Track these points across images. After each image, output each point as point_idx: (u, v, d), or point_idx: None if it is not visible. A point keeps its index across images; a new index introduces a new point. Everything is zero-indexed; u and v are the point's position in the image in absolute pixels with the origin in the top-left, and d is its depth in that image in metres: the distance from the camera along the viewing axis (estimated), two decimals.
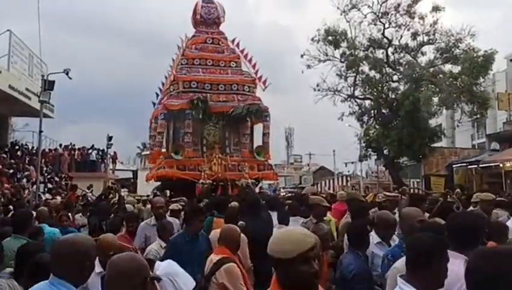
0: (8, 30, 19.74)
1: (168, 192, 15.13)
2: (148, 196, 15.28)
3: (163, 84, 19.22)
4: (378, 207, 6.63)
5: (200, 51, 18.09)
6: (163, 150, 17.56)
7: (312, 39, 23.61)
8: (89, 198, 17.05)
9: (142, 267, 2.12)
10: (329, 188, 36.52)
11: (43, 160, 19.31)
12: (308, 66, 23.79)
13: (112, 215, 7.77)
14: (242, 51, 18.58)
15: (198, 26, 18.77)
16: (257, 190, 16.35)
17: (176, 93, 17.03)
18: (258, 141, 18.20)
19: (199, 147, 16.92)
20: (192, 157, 16.39)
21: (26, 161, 20.03)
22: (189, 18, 19.53)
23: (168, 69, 19.24)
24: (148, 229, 6.16)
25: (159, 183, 18.04)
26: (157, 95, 19.34)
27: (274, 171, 19.26)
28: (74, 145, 26.16)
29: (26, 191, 14.83)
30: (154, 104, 19.11)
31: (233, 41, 18.82)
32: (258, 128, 18.19)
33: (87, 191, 20.07)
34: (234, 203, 6.80)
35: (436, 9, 22.58)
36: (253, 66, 18.36)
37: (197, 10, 18.70)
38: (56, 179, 20.65)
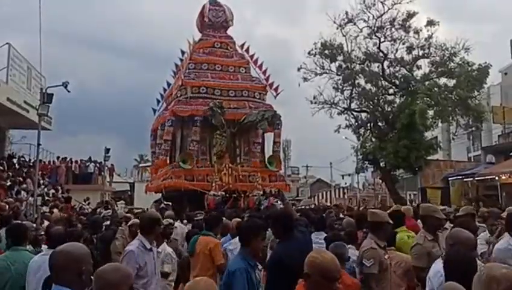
0: (7, 43, 19.87)
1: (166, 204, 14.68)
2: (147, 209, 14.74)
3: (165, 90, 18.36)
4: None
5: (208, 55, 17.28)
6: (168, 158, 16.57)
7: (309, 53, 23.82)
8: (86, 210, 17.06)
9: (127, 276, 2.22)
10: (326, 201, 36.56)
11: (40, 172, 19.30)
12: (305, 79, 23.96)
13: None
14: (251, 56, 17.86)
15: (205, 30, 17.99)
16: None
17: (184, 98, 16.20)
18: (268, 150, 17.46)
19: (207, 156, 16.12)
20: (201, 167, 15.59)
21: (24, 174, 20.02)
22: (193, 24, 18.37)
23: (171, 74, 18.56)
24: (142, 256, 4.31)
25: (160, 195, 17.40)
26: (158, 101, 18.45)
27: (286, 183, 18.37)
28: (71, 158, 26.16)
29: (24, 204, 14.80)
30: (154, 111, 18.24)
31: (242, 46, 18.12)
32: (267, 136, 17.52)
33: (83, 203, 20.11)
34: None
35: (430, 23, 22.86)
36: (264, 72, 17.63)
37: (204, 13, 17.89)
38: (53, 191, 20.62)
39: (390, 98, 24.18)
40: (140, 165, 48.30)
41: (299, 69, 24.08)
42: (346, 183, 44.39)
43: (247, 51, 18.00)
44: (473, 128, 24.27)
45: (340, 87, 23.95)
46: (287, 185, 18.19)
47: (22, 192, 16.85)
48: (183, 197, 14.15)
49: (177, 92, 16.49)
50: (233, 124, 16.15)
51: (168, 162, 15.96)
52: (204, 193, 14.22)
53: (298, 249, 3.72)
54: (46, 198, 18.24)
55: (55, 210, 14.90)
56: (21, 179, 18.64)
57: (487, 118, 23.57)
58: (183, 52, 17.74)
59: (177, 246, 6.83)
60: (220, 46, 17.68)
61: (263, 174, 15.98)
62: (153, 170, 18.64)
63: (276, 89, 17.60)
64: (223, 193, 14.31)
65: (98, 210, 15.49)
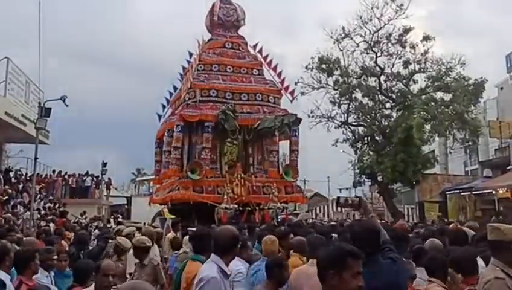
0: (6, 57, 19.96)
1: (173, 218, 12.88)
2: (144, 224, 14.38)
3: (171, 94, 17.25)
4: None
5: (218, 56, 16.08)
6: (171, 167, 14.76)
7: (306, 67, 24.02)
8: (83, 224, 16.97)
9: None
10: (323, 215, 36.45)
11: (37, 187, 19.23)
12: (302, 93, 24.09)
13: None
14: (265, 58, 16.63)
15: (215, 30, 16.84)
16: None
17: (193, 102, 14.90)
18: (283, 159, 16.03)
19: (218, 166, 14.74)
20: (211, 177, 14.18)
21: (20, 188, 19.95)
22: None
23: (178, 78, 17.26)
24: (222, 286, 3.38)
25: (161, 207, 16.16)
26: (164, 107, 17.30)
27: (303, 195, 17.05)
28: (66, 172, 26.13)
29: (21, 219, 14.70)
30: (160, 117, 17.12)
31: (254, 46, 16.91)
32: (281, 145, 16.19)
33: (80, 217, 20.03)
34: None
35: (426, 38, 23.13)
36: (279, 75, 16.43)
37: (214, 11, 16.74)
38: (50, 205, 20.52)
39: (387, 112, 24.33)
40: (138, 179, 48.16)
41: (296, 83, 24.24)
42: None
43: (260, 52, 16.70)
44: (470, 143, 24.38)
45: (337, 101, 24.12)
46: (304, 197, 16.71)
47: (18, 206, 16.76)
48: (191, 211, 13.15)
49: (186, 95, 15.09)
50: (246, 130, 14.79)
51: (177, 171, 14.41)
52: (215, 205, 13.05)
53: (385, 282, 2.83)
54: (43, 212, 18.14)
55: (52, 224, 14.81)
56: (15, 191, 18.54)
57: (484, 133, 23.69)
58: (191, 54, 16.52)
59: None
60: (231, 46, 16.42)
61: (278, 185, 14.56)
62: (157, 181, 17.23)
63: (292, 93, 16.44)
64: (235, 206, 13.14)
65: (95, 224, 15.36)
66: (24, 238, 7.16)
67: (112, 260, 6.06)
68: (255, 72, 16.15)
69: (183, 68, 16.87)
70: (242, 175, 14.14)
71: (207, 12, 17.31)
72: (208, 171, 13.97)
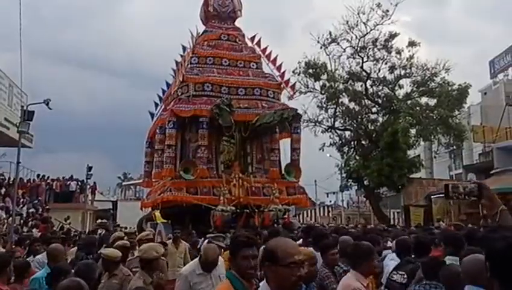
0: None
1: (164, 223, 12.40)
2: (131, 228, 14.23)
3: (163, 91, 16.33)
4: None
5: (213, 48, 15.09)
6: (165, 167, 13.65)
7: (293, 71, 24.02)
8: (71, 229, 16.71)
9: None
10: (311, 219, 36.48)
11: (20, 191, 18.91)
12: (289, 98, 24.11)
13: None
14: (264, 50, 15.71)
15: (210, 21, 15.86)
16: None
17: (186, 97, 13.83)
18: (284, 158, 14.91)
19: (214, 165, 13.78)
20: (206, 178, 13.19)
21: (3, 192, 19.61)
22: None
23: (171, 74, 16.34)
24: None
25: (150, 210, 14.95)
26: (157, 105, 16.40)
27: (307, 196, 15.80)
28: (49, 176, 25.78)
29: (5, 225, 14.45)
30: (152, 115, 16.17)
31: (252, 38, 15.98)
32: (282, 143, 15.30)
33: (64, 222, 19.75)
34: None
35: (412, 44, 23.41)
36: (278, 68, 15.51)
37: (209, 1, 15.80)
38: (33, 210, 20.20)
39: (373, 116, 24.51)
40: (124, 183, 47.80)
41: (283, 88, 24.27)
42: (330, 202, 44.39)
43: (258, 44, 15.80)
44: (454, 147, 24.65)
45: (324, 105, 24.21)
46: (308, 198, 15.51)
47: (0, 211, 16.47)
48: (184, 214, 12.32)
49: (178, 89, 14.06)
50: (244, 127, 13.76)
51: (172, 171, 13.34)
52: (210, 208, 12.19)
53: None
54: (28, 218, 17.85)
55: (35, 230, 14.59)
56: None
57: (468, 137, 23.97)
58: (184, 48, 15.41)
59: None
60: (227, 38, 15.45)
61: (280, 186, 13.64)
62: (148, 183, 16.07)
63: (292, 87, 15.71)
64: (233, 208, 12.30)
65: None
66: (51, 245, 6.69)
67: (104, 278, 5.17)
68: (253, 65, 15.23)
69: (176, 63, 15.74)
70: (240, 175, 13.25)
71: (201, 4, 16.28)
72: (203, 171, 13.04)
